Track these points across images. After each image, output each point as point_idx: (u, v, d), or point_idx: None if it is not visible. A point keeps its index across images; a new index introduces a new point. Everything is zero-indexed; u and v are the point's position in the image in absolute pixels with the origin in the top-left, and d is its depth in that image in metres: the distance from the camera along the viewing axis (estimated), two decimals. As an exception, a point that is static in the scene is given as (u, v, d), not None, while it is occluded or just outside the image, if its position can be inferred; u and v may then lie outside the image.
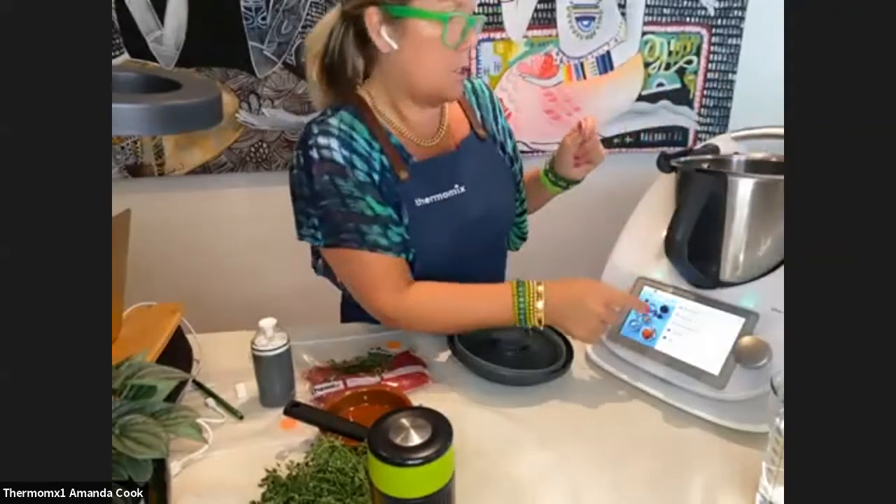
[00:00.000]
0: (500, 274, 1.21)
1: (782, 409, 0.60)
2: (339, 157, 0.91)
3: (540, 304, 0.88)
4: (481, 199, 1.03)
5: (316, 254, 1.06)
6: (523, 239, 1.23)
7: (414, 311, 0.94)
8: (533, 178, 1.18)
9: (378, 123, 0.96)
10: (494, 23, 1.74)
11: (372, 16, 0.89)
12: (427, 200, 0.97)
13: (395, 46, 0.90)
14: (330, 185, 0.91)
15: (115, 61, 1.66)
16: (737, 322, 0.82)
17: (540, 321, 0.88)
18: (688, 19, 1.82)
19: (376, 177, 0.94)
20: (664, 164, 0.89)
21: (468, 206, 1.01)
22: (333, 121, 0.93)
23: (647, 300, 0.91)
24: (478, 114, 1.10)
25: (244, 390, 0.89)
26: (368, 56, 0.97)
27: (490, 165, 1.08)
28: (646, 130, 1.94)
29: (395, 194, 0.95)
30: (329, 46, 0.95)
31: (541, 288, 0.88)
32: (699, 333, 0.85)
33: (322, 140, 0.91)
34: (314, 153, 0.91)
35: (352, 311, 1.08)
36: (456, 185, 1.00)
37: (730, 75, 1.88)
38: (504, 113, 1.16)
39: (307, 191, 0.93)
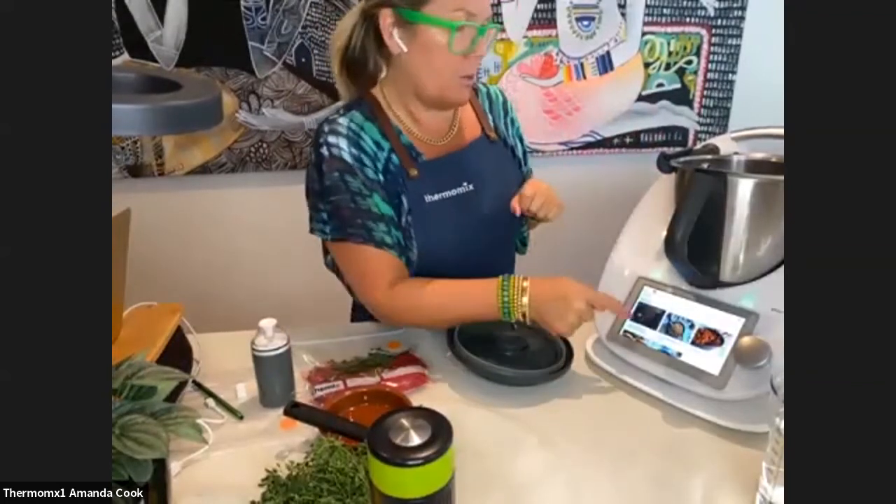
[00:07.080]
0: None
1: (782, 409, 0.60)
2: (347, 156, 0.94)
3: (525, 300, 0.88)
4: (490, 197, 1.04)
5: (326, 249, 1.07)
6: (525, 244, 1.24)
7: (403, 305, 0.96)
8: None
9: (389, 122, 0.99)
10: (494, 23, 1.75)
11: (385, 17, 0.91)
12: (436, 197, 0.99)
13: (404, 49, 0.93)
14: (339, 182, 0.94)
15: (115, 61, 1.66)
16: (737, 322, 0.82)
17: (524, 315, 0.89)
18: (688, 19, 1.82)
19: (381, 176, 0.96)
20: (664, 164, 0.89)
21: (477, 203, 1.02)
22: (343, 120, 0.96)
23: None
24: (489, 118, 1.11)
25: (244, 390, 0.89)
26: (386, 55, 0.99)
27: (499, 165, 1.09)
28: (646, 131, 1.94)
29: (399, 192, 0.97)
30: (351, 43, 0.98)
31: (526, 283, 0.89)
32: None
33: (332, 139, 0.94)
34: (325, 151, 0.94)
35: (361, 314, 1.10)
36: (465, 183, 1.01)
37: (730, 75, 1.89)
38: (518, 121, 1.16)
39: (318, 186, 0.96)
